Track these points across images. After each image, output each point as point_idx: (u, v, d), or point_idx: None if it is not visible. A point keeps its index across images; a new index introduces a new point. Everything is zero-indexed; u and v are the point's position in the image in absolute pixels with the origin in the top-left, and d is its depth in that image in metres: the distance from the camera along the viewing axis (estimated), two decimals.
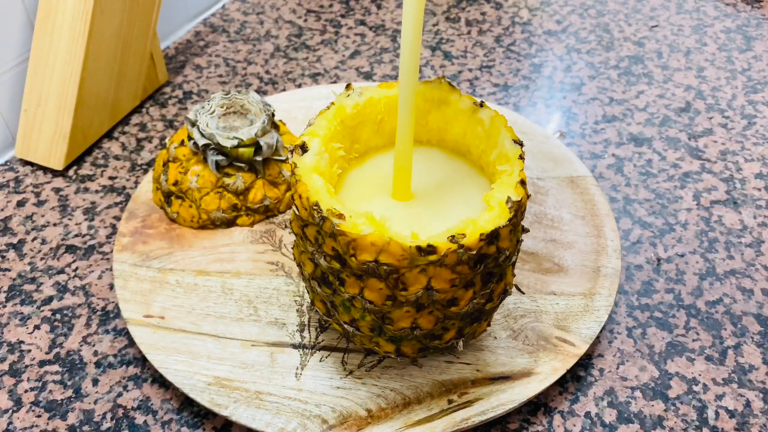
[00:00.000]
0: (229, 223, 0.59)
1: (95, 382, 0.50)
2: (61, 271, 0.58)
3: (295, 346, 0.50)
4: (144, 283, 0.54)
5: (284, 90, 0.78)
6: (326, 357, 0.50)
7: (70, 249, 0.59)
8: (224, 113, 0.58)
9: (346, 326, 0.44)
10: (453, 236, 0.38)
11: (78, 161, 0.68)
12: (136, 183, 0.66)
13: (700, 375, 0.51)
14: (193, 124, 0.57)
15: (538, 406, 0.49)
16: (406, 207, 0.45)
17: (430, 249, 0.37)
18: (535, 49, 0.84)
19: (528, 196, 0.41)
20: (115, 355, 0.52)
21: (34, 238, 0.60)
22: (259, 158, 0.57)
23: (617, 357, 0.52)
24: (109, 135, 0.71)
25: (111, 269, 0.58)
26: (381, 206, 0.44)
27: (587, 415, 0.48)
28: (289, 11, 0.91)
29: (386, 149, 0.49)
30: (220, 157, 0.56)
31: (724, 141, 0.71)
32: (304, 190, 0.40)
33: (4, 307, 0.55)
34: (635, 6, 0.92)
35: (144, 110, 0.74)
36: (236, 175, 0.57)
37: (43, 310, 0.55)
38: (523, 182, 0.40)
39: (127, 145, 0.70)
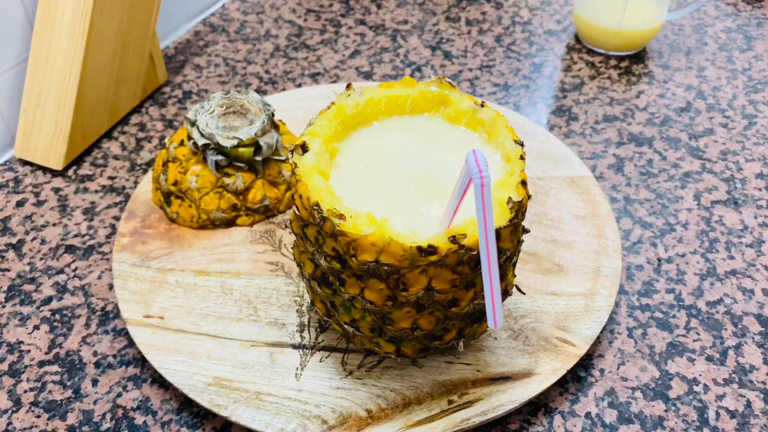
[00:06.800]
0: (229, 223, 0.59)
1: (95, 382, 0.50)
2: (61, 271, 0.57)
3: (294, 347, 0.50)
4: (143, 284, 0.54)
5: (284, 90, 0.77)
6: (326, 357, 0.49)
7: (70, 249, 0.59)
8: (224, 113, 0.58)
9: (346, 327, 0.44)
10: (454, 237, 0.37)
11: (77, 161, 0.68)
12: (136, 183, 0.66)
13: (700, 375, 0.51)
14: (193, 123, 0.57)
15: (539, 406, 0.49)
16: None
17: (431, 249, 0.37)
18: (535, 48, 0.84)
19: (529, 197, 0.41)
20: (114, 356, 0.51)
21: (34, 238, 0.60)
22: (258, 158, 0.57)
23: (618, 357, 0.52)
24: (108, 135, 0.71)
25: (110, 269, 0.58)
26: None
27: (588, 415, 0.48)
28: (289, 11, 0.91)
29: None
30: (219, 157, 0.56)
31: (725, 141, 0.71)
32: (305, 190, 0.40)
33: (4, 307, 0.55)
34: None
35: (143, 110, 0.74)
36: (236, 175, 0.57)
37: (42, 311, 0.54)
38: (524, 183, 0.40)
39: (127, 145, 0.70)
